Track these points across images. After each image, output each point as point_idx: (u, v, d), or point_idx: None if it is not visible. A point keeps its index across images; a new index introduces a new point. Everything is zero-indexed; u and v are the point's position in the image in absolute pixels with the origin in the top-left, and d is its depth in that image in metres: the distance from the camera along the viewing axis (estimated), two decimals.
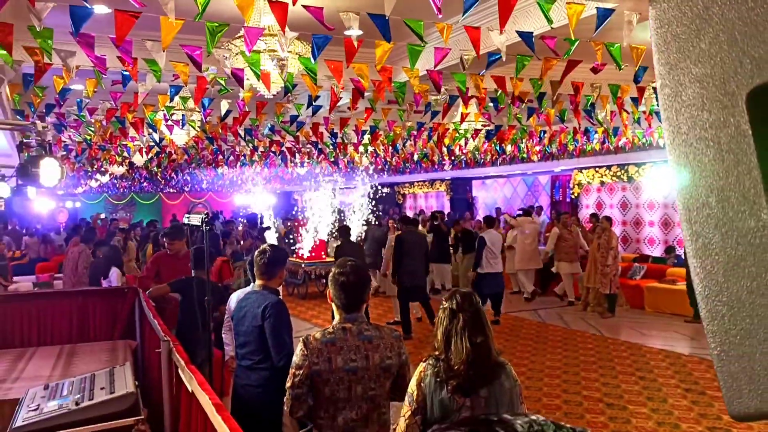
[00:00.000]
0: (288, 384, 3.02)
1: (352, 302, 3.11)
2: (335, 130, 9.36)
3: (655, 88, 6.00)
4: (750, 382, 0.56)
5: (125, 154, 11.81)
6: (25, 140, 6.31)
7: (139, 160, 11.70)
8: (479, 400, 2.82)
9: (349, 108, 6.39)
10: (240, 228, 15.68)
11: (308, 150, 11.89)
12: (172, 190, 30.00)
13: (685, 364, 7.97)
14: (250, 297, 4.12)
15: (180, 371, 3.69)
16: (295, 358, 3.04)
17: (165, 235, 7.33)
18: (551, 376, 7.59)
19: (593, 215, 12.96)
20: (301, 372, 2.98)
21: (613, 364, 8.09)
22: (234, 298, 4.81)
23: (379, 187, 17.67)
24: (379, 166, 16.40)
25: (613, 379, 7.41)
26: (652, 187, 14.76)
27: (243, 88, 4.92)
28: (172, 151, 11.71)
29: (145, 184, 24.35)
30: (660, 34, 0.63)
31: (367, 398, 3.03)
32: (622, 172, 15.35)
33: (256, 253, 4.22)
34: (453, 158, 14.11)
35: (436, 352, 2.91)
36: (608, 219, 11.60)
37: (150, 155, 11.62)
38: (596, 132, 10.03)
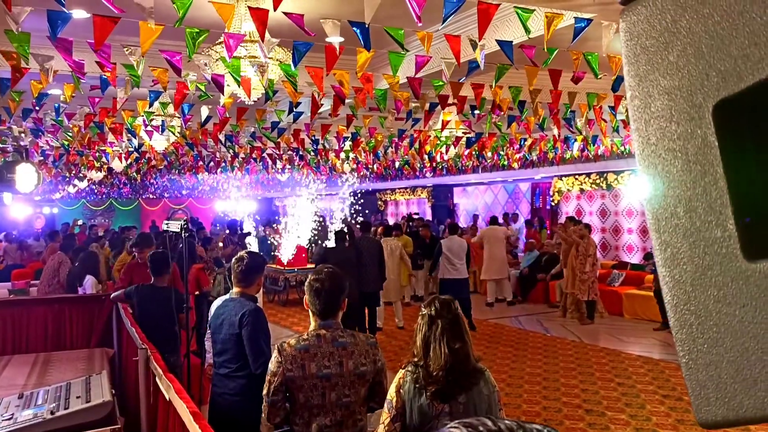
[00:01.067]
0: (264, 391, 3.05)
1: (327, 309, 3.11)
2: (316, 137, 9.35)
3: None
4: (717, 389, 0.57)
5: (104, 159, 11.70)
6: (1, 145, 6.22)
7: (118, 165, 11.59)
8: (458, 406, 2.84)
9: (330, 115, 6.39)
10: (220, 235, 15.57)
11: (289, 156, 11.86)
12: (151, 196, 29.74)
13: (663, 370, 8.05)
14: (227, 305, 4.10)
15: (157, 379, 3.65)
16: (270, 365, 3.06)
17: (134, 245, 7.30)
18: (531, 382, 7.62)
19: (569, 218, 12.99)
20: (276, 379, 3.00)
21: (592, 370, 8.15)
22: (213, 306, 4.78)
23: (360, 193, 17.65)
24: (361, 173, 16.40)
25: (592, 386, 7.46)
26: (631, 195, 14.92)
27: (223, 94, 4.90)
28: (152, 157, 11.62)
29: (124, 189, 24.12)
30: (630, 46, 0.64)
31: (341, 405, 3.03)
32: (602, 179, 15.50)
33: (234, 260, 4.20)
34: (434, 165, 14.15)
35: (415, 359, 2.93)
36: (587, 226, 11.70)
37: (129, 161, 11.52)
38: (575, 140, 10.13)
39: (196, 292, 7.46)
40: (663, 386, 7.36)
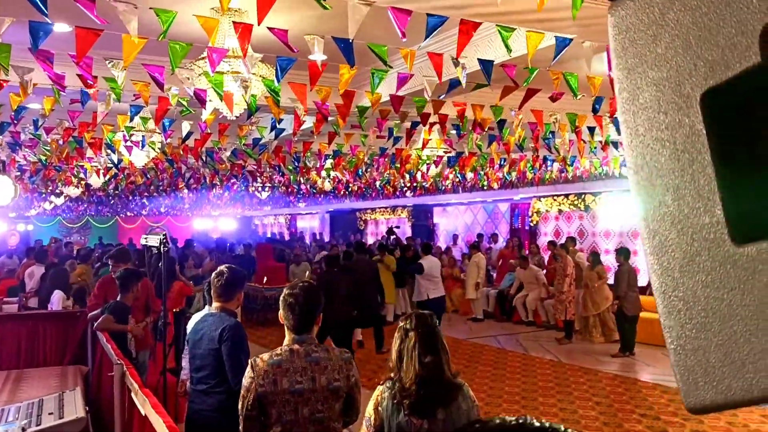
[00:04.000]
0: (240, 406, 3.01)
1: (301, 324, 3.09)
2: (298, 154, 9.35)
3: (612, 118, 6.18)
4: (705, 374, 0.58)
5: (82, 175, 11.57)
6: None
7: (96, 181, 11.47)
8: (437, 422, 2.82)
9: (312, 132, 6.40)
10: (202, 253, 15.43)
11: (270, 174, 11.83)
12: (129, 214, 29.45)
13: (640, 389, 8.08)
14: (206, 319, 4.05)
15: (133, 395, 3.59)
16: (244, 381, 3.03)
17: (111, 257, 7.17)
18: (510, 401, 7.61)
19: (551, 243, 13.16)
20: (249, 395, 2.96)
21: (570, 389, 8.16)
22: (191, 322, 4.72)
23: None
24: (341, 192, 16.39)
25: (570, 405, 7.47)
26: (608, 216, 15.09)
27: (205, 109, 4.89)
28: (131, 173, 11.52)
29: (101, 207, 23.85)
30: (618, 40, 0.65)
31: (314, 420, 3.00)
32: (579, 200, 15.66)
33: (213, 274, 4.16)
34: (415, 184, 14.20)
35: (392, 374, 2.92)
36: (564, 246, 11.77)
37: (108, 177, 11.41)
38: (554, 160, 10.24)
39: (175, 309, 7.36)
40: (640, 405, 7.39)
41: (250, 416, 2.99)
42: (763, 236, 0.55)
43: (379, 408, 2.86)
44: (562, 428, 0.58)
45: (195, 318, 4.47)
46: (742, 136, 0.58)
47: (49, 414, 3.83)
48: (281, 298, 3.16)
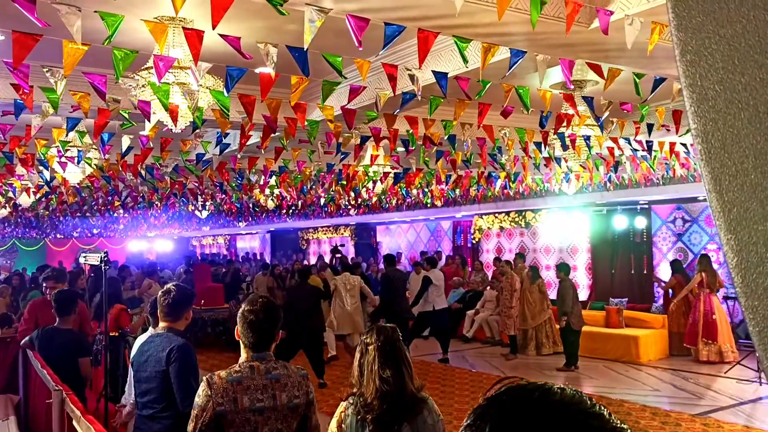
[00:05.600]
0: (191, 427, 2.81)
1: (261, 341, 2.97)
2: (242, 171, 9.13)
3: (558, 134, 6.27)
4: None
5: (10, 194, 10.98)
6: None
7: (25, 201, 10.90)
8: None
9: (258, 147, 6.25)
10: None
11: (211, 192, 11.53)
12: (59, 236, 28.25)
13: None
14: (153, 340, 3.86)
15: (75, 423, 3.36)
16: (198, 399, 2.84)
17: (47, 278, 6.78)
18: (460, 418, 7.58)
19: (497, 259, 13.34)
20: (205, 414, 2.78)
21: None
22: (136, 343, 4.49)
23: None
24: (284, 210, 16.15)
25: None
26: (548, 233, 15.41)
27: (149, 121, 4.70)
28: (63, 192, 11.00)
29: (29, 228, 22.81)
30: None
31: None
32: (520, 218, 15.94)
33: (160, 293, 3.98)
34: (360, 201, 14.12)
35: (354, 389, 2.85)
36: (508, 263, 11.93)
37: (39, 196, 10.87)
38: (499, 177, 10.36)
39: (114, 333, 7.01)
40: None
41: None
42: None
43: (343, 425, 2.77)
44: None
45: (141, 339, 4.26)
46: None
47: None
48: (240, 314, 3.02)
